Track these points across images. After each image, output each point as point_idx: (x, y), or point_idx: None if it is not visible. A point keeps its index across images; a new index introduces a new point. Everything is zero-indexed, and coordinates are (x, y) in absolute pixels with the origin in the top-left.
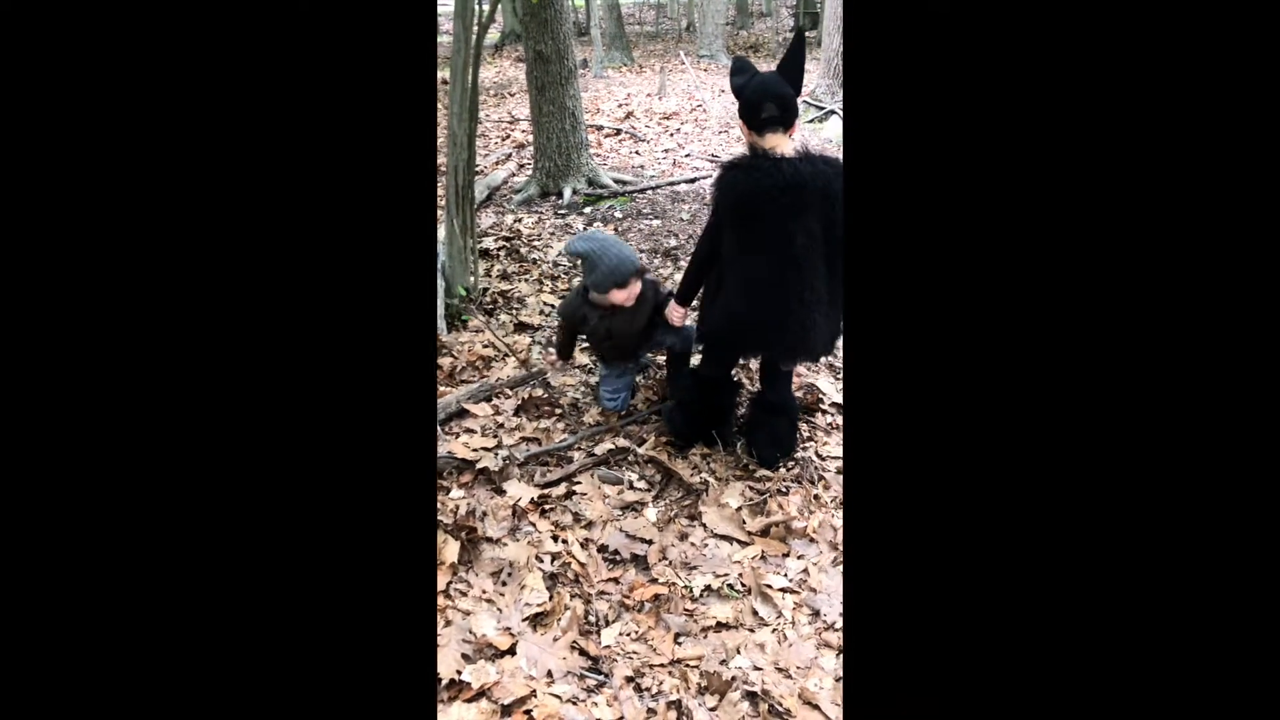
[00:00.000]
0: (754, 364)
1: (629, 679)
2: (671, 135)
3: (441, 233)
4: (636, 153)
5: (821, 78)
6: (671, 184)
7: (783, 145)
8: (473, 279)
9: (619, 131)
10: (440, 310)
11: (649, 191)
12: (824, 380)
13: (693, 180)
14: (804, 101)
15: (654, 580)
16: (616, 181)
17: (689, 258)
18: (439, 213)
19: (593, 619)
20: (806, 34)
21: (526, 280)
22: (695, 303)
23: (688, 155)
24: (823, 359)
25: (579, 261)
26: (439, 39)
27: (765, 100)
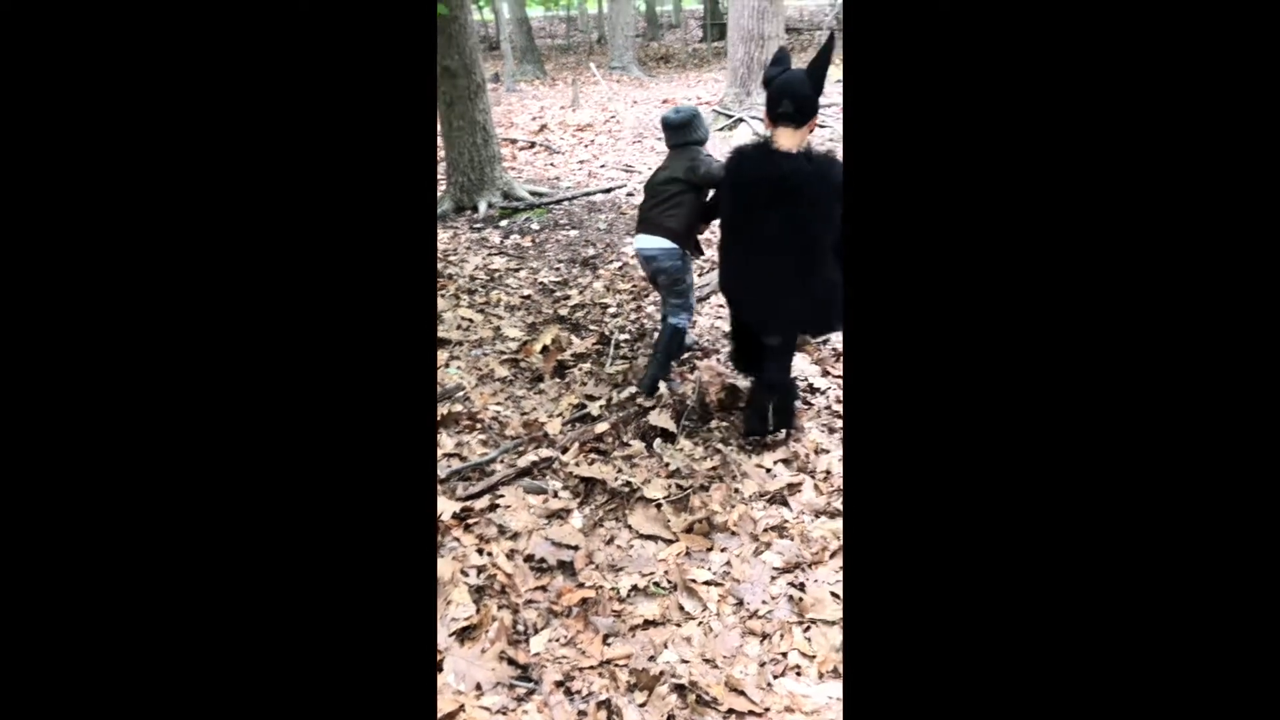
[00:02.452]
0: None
1: (559, 683)
2: (586, 147)
3: None
4: (552, 164)
5: (729, 86)
6: (587, 194)
7: (787, 140)
8: None
9: (533, 144)
10: None
11: (565, 203)
12: (742, 379)
13: (608, 190)
14: (713, 110)
15: (581, 585)
16: (532, 194)
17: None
18: None
19: (521, 628)
20: (713, 44)
21: (443, 295)
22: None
23: (603, 166)
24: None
25: (685, 125)
26: None
27: (784, 97)
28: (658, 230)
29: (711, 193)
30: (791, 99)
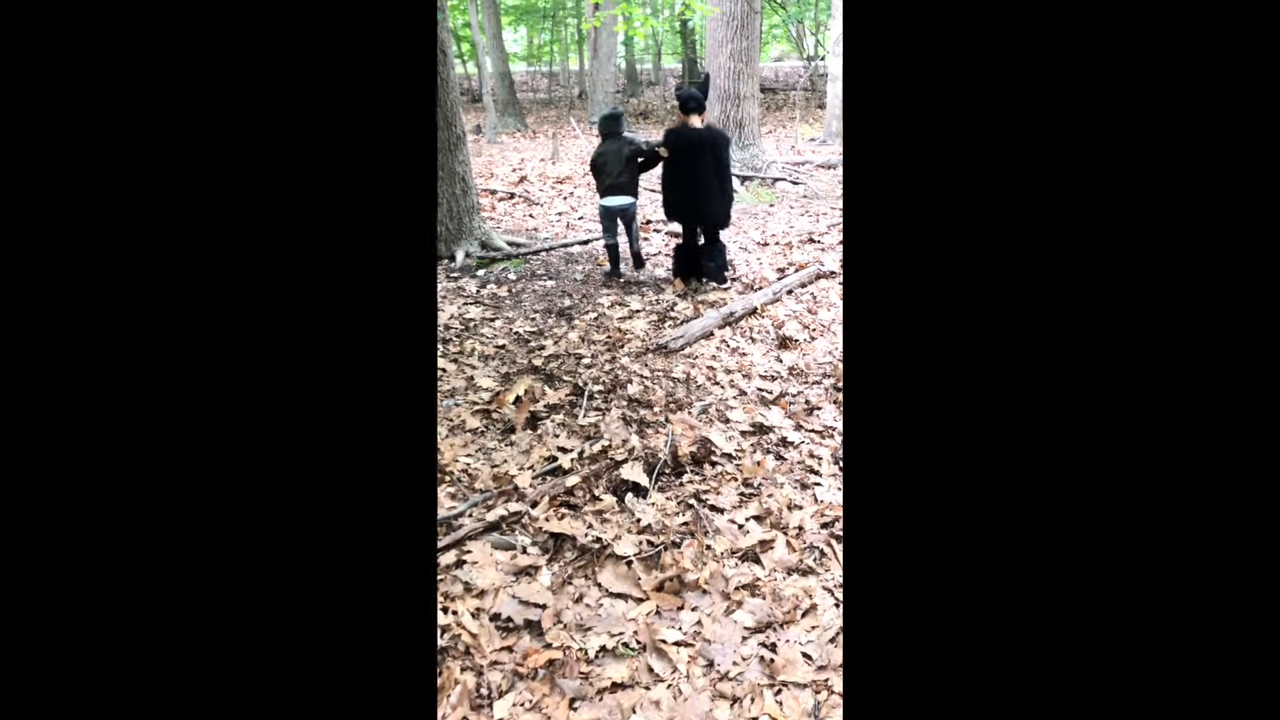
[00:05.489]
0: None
1: None
2: (565, 199)
3: None
4: (530, 216)
5: None
6: (565, 246)
7: (697, 121)
8: None
9: (512, 195)
10: None
11: (543, 253)
12: (715, 433)
13: (586, 242)
14: None
15: (548, 645)
16: (510, 244)
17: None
18: None
19: (485, 691)
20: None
21: None
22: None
23: (581, 218)
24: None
25: (621, 118)
26: None
27: (691, 99)
28: (625, 192)
29: (641, 160)
30: (697, 101)
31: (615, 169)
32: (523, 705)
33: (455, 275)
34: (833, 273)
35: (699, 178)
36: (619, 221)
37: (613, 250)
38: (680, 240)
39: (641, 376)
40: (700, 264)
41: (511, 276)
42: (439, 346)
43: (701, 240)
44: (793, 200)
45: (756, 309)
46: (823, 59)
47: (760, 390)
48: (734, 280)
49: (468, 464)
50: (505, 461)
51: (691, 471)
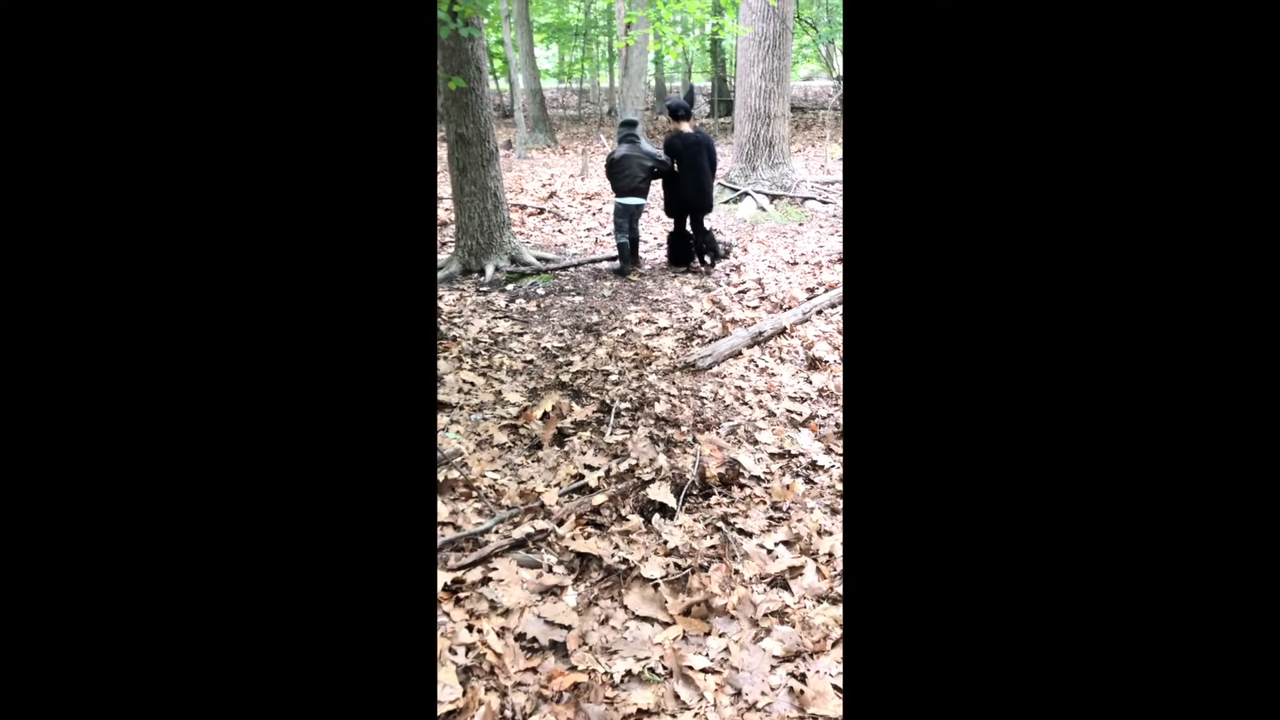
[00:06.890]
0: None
1: None
2: (594, 215)
3: None
4: (560, 231)
5: (734, 161)
6: (593, 261)
7: (687, 127)
8: None
9: (542, 210)
10: None
11: (571, 269)
12: (744, 454)
13: (614, 258)
14: (719, 184)
15: (574, 668)
16: (539, 259)
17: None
18: None
19: (509, 713)
20: (720, 119)
21: (445, 357)
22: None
23: (609, 234)
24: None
25: (637, 124)
26: None
27: (680, 108)
28: (640, 194)
29: (656, 172)
30: (685, 109)
31: (636, 174)
32: None
33: (485, 289)
34: None
35: (701, 175)
36: (633, 219)
37: (623, 249)
38: (672, 232)
39: (669, 395)
40: (692, 251)
41: (540, 291)
42: (468, 360)
43: (692, 230)
44: (822, 219)
45: (786, 329)
46: None
47: (789, 412)
48: (729, 251)
49: (494, 479)
50: (532, 478)
51: (719, 493)
